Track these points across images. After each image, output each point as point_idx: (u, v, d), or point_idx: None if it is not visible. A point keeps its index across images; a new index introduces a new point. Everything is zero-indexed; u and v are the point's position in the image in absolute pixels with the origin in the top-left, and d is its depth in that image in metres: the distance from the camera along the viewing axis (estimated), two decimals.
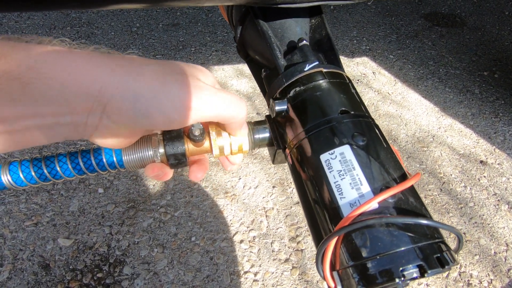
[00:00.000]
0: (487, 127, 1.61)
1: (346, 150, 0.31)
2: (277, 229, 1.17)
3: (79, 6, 0.38)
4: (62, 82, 0.23)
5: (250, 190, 1.28)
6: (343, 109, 0.35)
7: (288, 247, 1.12)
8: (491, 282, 1.07)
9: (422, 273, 0.25)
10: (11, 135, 0.24)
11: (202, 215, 1.19)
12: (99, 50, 0.27)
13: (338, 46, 2.13)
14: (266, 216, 1.20)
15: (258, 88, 0.50)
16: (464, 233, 1.19)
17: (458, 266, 1.10)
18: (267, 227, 1.17)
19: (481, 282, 1.07)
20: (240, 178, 1.32)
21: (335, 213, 0.29)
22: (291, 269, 1.06)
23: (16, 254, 1.06)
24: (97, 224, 1.15)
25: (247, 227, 1.17)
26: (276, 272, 1.06)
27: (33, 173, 0.28)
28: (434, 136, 1.56)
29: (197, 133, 0.32)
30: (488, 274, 1.09)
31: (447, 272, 1.09)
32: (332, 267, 0.29)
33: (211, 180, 1.30)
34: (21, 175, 0.28)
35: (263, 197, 1.26)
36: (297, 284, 1.03)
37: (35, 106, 0.23)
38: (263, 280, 1.04)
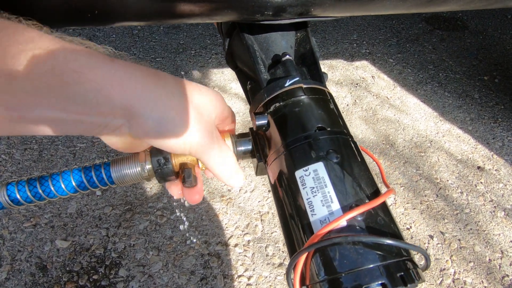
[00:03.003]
0: (485, 132, 1.61)
1: (319, 167, 0.32)
2: (271, 233, 1.18)
3: (80, 25, 0.39)
4: (100, 89, 0.25)
5: (246, 194, 1.29)
6: (320, 125, 0.35)
7: (282, 251, 1.13)
8: None
9: None
10: (24, 121, 0.24)
11: (198, 218, 1.20)
12: (138, 63, 0.29)
13: (338, 49, 2.13)
14: (261, 220, 1.21)
15: None
16: (459, 240, 1.19)
17: (452, 273, 1.10)
18: (262, 231, 1.18)
19: None
20: None
21: (307, 229, 0.30)
22: (284, 274, 1.07)
23: (14, 255, 1.08)
24: (94, 226, 1.17)
25: (242, 231, 1.18)
26: (269, 277, 1.06)
27: (28, 193, 0.30)
28: (431, 141, 1.56)
29: (190, 178, 0.34)
30: (482, 281, 1.09)
31: (440, 279, 1.09)
32: (303, 282, 0.30)
33: (207, 183, 1.31)
34: (18, 196, 0.30)
35: (259, 201, 1.27)
36: None
37: (65, 102, 0.24)
38: (256, 284, 1.05)
